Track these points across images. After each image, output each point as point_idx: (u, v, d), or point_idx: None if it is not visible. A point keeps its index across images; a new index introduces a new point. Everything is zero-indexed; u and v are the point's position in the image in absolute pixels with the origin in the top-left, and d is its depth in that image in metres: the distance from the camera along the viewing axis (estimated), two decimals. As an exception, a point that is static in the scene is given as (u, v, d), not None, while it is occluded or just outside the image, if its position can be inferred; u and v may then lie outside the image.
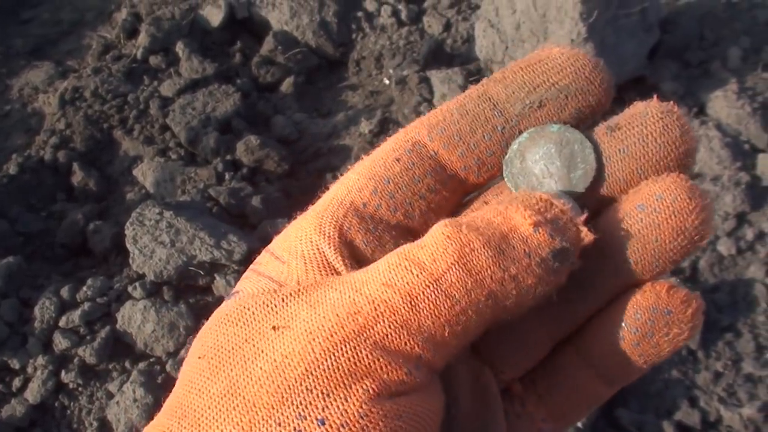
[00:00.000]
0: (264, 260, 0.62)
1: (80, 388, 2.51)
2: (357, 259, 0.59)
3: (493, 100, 0.62)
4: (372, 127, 3.30)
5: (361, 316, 0.52)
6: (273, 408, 0.49)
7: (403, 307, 0.52)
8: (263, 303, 0.56)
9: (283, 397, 0.49)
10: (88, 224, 2.94)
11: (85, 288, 2.67)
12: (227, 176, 3.10)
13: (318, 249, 0.58)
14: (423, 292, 0.52)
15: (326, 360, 0.50)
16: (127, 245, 2.67)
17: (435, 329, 0.52)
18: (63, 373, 2.51)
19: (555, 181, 0.63)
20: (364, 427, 0.49)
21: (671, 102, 0.63)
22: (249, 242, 2.66)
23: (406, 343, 0.51)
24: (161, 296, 2.63)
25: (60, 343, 2.54)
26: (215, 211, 2.91)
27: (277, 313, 0.55)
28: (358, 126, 3.35)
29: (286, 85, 3.58)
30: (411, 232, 0.61)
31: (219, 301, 2.65)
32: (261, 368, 0.51)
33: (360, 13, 3.81)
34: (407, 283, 0.52)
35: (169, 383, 2.46)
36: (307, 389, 0.49)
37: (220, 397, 0.51)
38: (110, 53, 3.75)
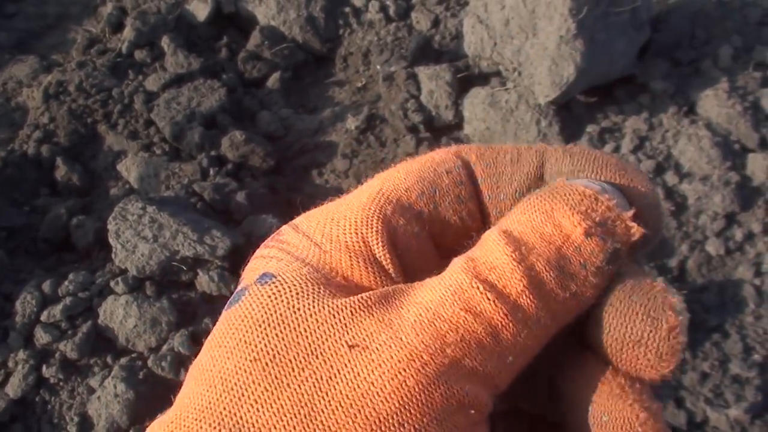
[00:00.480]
0: (294, 241, 0.60)
1: (61, 383, 2.49)
2: (400, 261, 0.57)
3: (546, 164, 0.60)
4: (359, 123, 3.29)
5: (449, 348, 0.50)
6: None
7: (487, 338, 0.50)
8: (323, 308, 0.53)
9: (372, 430, 0.48)
10: (72, 219, 2.92)
11: (66, 282, 2.64)
12: (212, 172, 3.08)
13: (365, 242, 0.57)
14: (502, 322, 0.51)
15: (420, 395, 0.48)
16: (110, 240, 2.65)
17: (511, 359, 0.51)
18: (44, 367, 2.49)
19: None
20: None
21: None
22: (233, 238, 2.64)
23: (488, 375, 0.51)
24: (143, 291, 2.61)
25: (41, 337, 2.52)
26: (199, 206, 2.89)
27: (347, 326, 0.52)
28: (345, 122, 3.34)
29: (273, 81, 3.56)
30: (439, 247, 0.60)
31: (202, 296, 2.64)
32: (342, 392, 0.49)
33: (347, 9, 3.80)
34: (488, 310, 0.51)
35: (151, 379, 2.44)
36: (399, 423, 0.48)
37: (292, 417, 0.48)
38: (95, 47, 3.72)
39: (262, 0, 3.75)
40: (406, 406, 0.48)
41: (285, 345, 0.51)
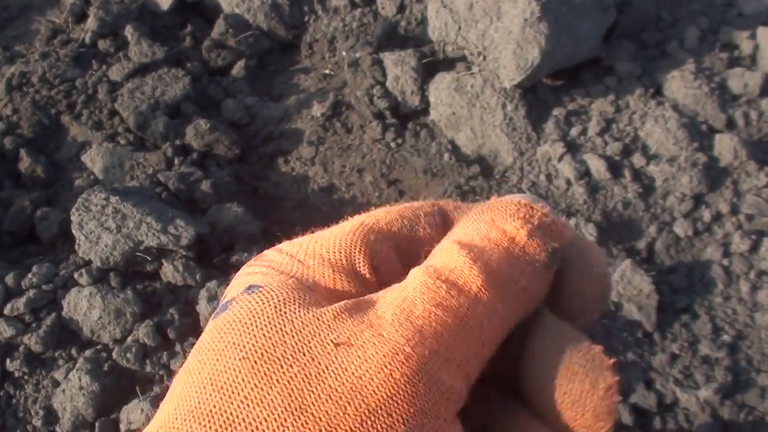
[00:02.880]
0: (278, 259, 0.63)
1: (26, 377, 2.48)
2: (378, 281, 0.61)
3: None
4: (324, 110, 3.28)
5: (427, 341, 0.53)
6: (353, 430, 0.49)
7: (457, 328, 0.54)
8: (307, 303, 0.56)
9: (362, 420, 0.49)
10: (36, 211, 2.90)
11: (30, 275, 2.63)
12: (177, 161, 3.06)
13: (347, 259, 0.60)
14: (468, 313, 0.55)
15: (406, 386, 0.50)
16: (73, 231, 2.63)
17: (478, 348, 0.55)
18: (8, 361, 2.48)
19: None
20: None
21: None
22: (197, 227, 2.62)
23: (461, 364, 0.54)
24: (108, 283, 2.59)
25: (5, 330, 2.50)
26: (164, 196, 2.87)
27: (331, 326, 0.54)
28: (311, 109, 3.32)
29: (238, 69, 3.55)
30: None
31: (167, 287, 2.62)
32: (331, 386, 0.51)
33: (312, -4, 3.78)
34: (454, 305, 0.54)
35: (116, 371, 2.43)
36: (387, 413, 0.50)
37: (283, 411, 0.50)
38: (58, 38, 3.70)
39: (226, -13, 3.73)
40: (394, 397, 0.50)
41: (272, 344, 0.53)
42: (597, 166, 2.89)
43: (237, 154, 3.14)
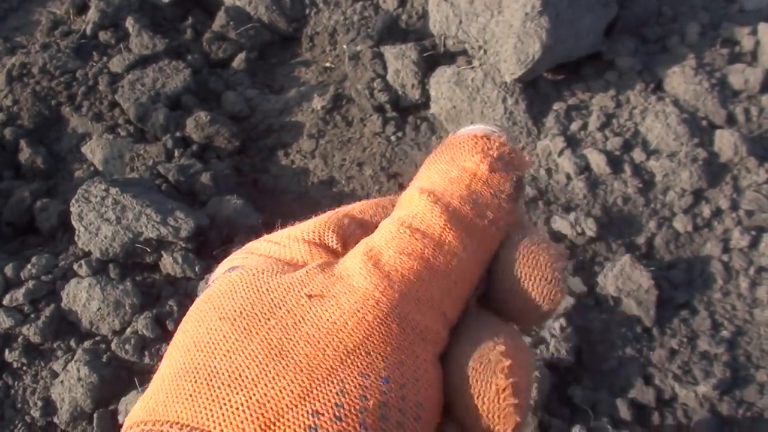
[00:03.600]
0: (258, 245, 0.67)
1: (24, 368, 2.47)
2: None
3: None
4: (324, 103, 3.27)
5: (395, 285, 0.56)
6: (333, 369, 0.51)
7: (426, 271, 0.57)
8: (282, 272, 0.59)
9: (342, 359, 0.52)
10: (36, 202, 2.90)
11: (29, 266, 2.62)
12: (177, 153, 3.06)
13: (320, 235, 0.64)
14: (435, 255, 0.57)
15: (380, 326, 0.53)
16: (73, 222, 2.63)
17: (450, 286, 0.57)
18: (7, 352, 2.47)
19: None
20: (423, 386, 0.53)
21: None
22: (197, 219, 2.62)
23: (434, 304, 0.56)
24: (107, 274, 2.59)
25: (4, 321, 2.50)
26: (164, 188, 2.87)
27: (304, 282, 0.57)
28: (311, 102, 3.32)
29: (238, 61, 3.54)
30: None
31: (166, 278, 2.62)
32: (308, 332, 0.53)
33: (314, -11, 3.77)
34: (419, 249, 0.57)
35: (115, 362, 2.43)
36: (366, 353, 0.52)
37: (264, 356, 0.52)
38: (59, 29, 3.69)
39: (228, -20, 3.73)
40: (369, 338, 0.53)
41: (250, 303, 0.56)
42: (597, 161, 2.89)
43: (237, 147, 3.13)
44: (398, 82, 3.22)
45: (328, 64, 3.53)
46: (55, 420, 2.38)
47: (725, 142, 2.89)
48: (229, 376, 0.51)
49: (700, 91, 3.02)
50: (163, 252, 2.60)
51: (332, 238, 0.63)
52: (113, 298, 2.51)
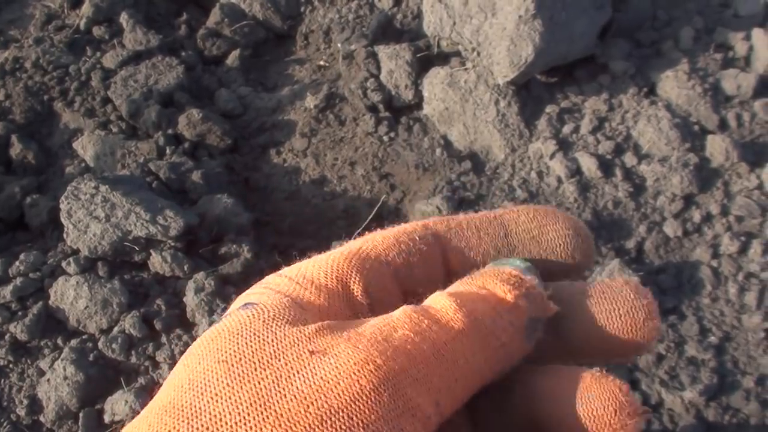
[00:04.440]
0: (277, 281, 0.65)
1: (11, 365, 2.48)
2: (371, 308, 0.64)
3: (505, 224, 0.71)
4: (318, 102, 3.27)
5: (399, 358, 0.54)
6: (311, 428, 0.50)
7: (432, 357, 0.55)
8: (292, 322, 0.58)
9: (322, 420, 0.50)
10: (26, 198, 2.89)
11: (18, 263, 2.62)
12: (168, 150, 3.05)
13: (343, 286, 0.63)
14: (445, 347, 0.56)
15: (370, 393, 0.52)
16: (62, 220, 2.63)
17: (451, 381, 0.56)
18: (-7, 349, 2.47)
19: None
20: None
21: (647, 289, 0.66)
22: (186, 218, 2.62)
23: (431, 389, 0.54)
24: (95, 272, 2.59)
25: (-9, 319, 2.50)
26: (155, 185, 2.87)
27: (311, 338, 0.56)
28: (304, 101, 3.32)
29: (232, 59, 3.54)
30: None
31: (155, 277, 2.62)
32: (298, 388, 0.52)
33: (309, -14, 3.77)
34: (433, 336, 0.56)
35: (101, 361, 2.43)
36: (348, 417, 0.50)
37: (248, 406, 0.51)
38: (53, 23, 3.68)
39: (223, -24, 3.72)
40: (356, 402, 0.51)
41: (252, 351, 0.55)
42: (588, 165, 2.89)
43: (229, 145, 3.13)
44: (392, 82, 3.22)
45: (322, 63, 3.53)
46: (41, 419, 2.38)
47: (717, 147, 2.90)
48: (210, 419, 0.51)
49: (692, 96, 3.02)
50: (152, 251, 2.60)
51: (355, 287, 0.63)
52: (101, 297, 2.51)
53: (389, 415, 0.51)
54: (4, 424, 2.37)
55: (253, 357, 0.54)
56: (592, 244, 0.71)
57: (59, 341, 2.51)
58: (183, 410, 0.52)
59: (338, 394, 0.51)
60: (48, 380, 2.39)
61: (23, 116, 3.23)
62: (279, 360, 0.54)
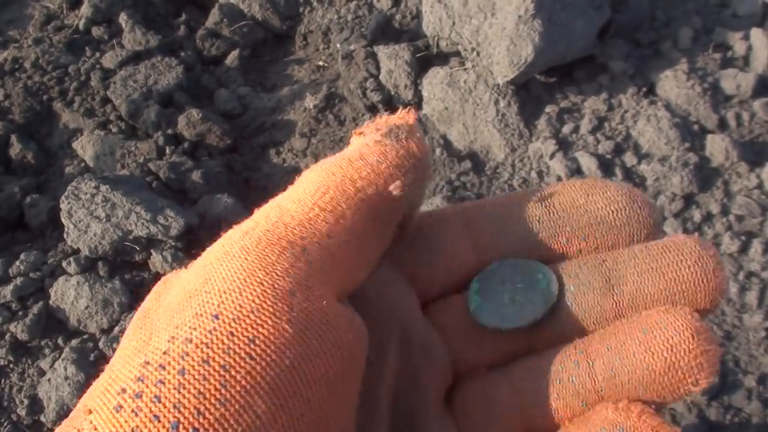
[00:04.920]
0: None
1: (11, 365, 2.47)
2: None
3: (545, 198, 0.65)
4: (317, 102, 3.27)
5: (255, 229, 0.54)
6: (172, 316, 0.49)
7: (292, 204, 0.56)
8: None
9: (181, 305, 0.50)
10: (26, 198, 2.89)
11: (18, 263, 2.62)
12: (168, 150, 3.05)
13: None
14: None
15: (221, 264, 0.51)
16: (62, 219, 2.63)
17: (316, 223, 0.54)
18: (-6, 349, 2.47)
19: (526, 300, 0.63)
20: (255, 322, 0.47)
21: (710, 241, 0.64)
22: (187, 218, 2.62)
23: (291, 241, 0.53)
24: (96, 272, 2.59)
25: (-9, 318, 2.50)
26: (155, 185, 2.87)
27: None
28: (303, 101, 3.32)
29: (231, 59, 3.54)
30: None
31: (156, 277, 2.62)
32: (171, 294, 0.53)
33: (308, -13, 3.77)
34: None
35: (102, 361, 2.43)
36: (206, 292, 0.49)
37: (135, 329, 0.52)
38: (52, 23, 3.68)
39: (222, -23, 3.72)
40: (212, 277, 0.51)
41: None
42: (588, 164, 2.89)
43: (229, 145, 3.13)
44: (391, 82, 3.22)
45: (321, 63, 3.53)
46: (42, 418, 2.38)
47: (716, 146, 2.90)
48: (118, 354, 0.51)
49: (692, 96, 3.02)
50: (152, 250, 2.60)
51: None
52: (101, 297, 2.51)
53: (246, 280, 0.50)
54: (5, 424, 2.37)
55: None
56: (652, 211, 0.66)
57: (60, 341, 2.51)
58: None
59: (195, 280, 0.51)
60: (49, 380, 2.39)
61: (23, 116, 3.23)
62: (168, 284, 0.56)
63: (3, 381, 2.45)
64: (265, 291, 0.49)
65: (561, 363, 0.59)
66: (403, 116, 0.61)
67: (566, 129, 3.03)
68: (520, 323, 0.62)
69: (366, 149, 0.58)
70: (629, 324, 0.57)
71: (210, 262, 0.52)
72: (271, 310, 0.48)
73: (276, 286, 0.49)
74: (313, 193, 0.56)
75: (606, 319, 0.60)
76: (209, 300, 0.48)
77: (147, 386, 0.44)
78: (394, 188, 0.57)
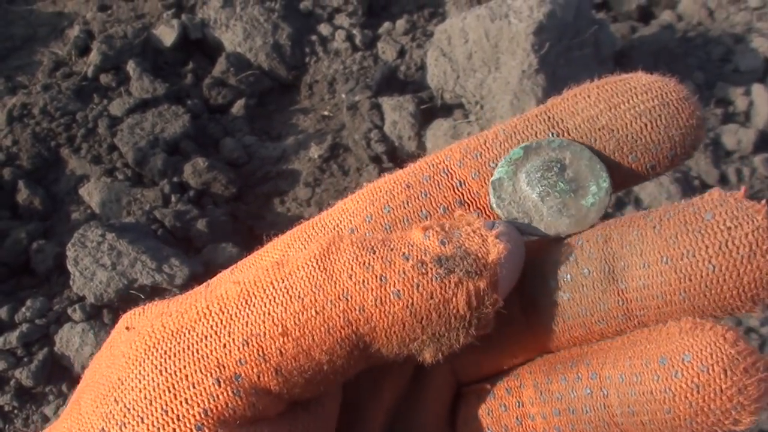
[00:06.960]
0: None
1: (16, 411, 2.48)
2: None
3: (554, 119, 0.56)
4: (322, 152, 3.29)
5: (191, 312, 0.51)
6: (95, 406, 0.49)
7: (240, 301, 0.50)
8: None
9: (99, 399, 0.49)
10: (32, 243, 2.90)
11: (24, 309, 2.63)
12: (174, 198, 3.07)
13: None
14: (266, 286, 0.50)
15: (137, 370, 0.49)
16: (68, 266, 2.64)
17: (269, 331, 0.48)
18: (-2, 395, 2.48)
19: (558, 209, 0.55)
20: None
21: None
22: (191, 266, 2.64)
23: (229, 344, 0.49)
24: (101, 319, 2.60)
25: (-4, 364, 2.51)
26: (160, 233, 2.88)
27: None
28: (308, 150, 3.34)
29: (237, 108, 3.56)
30: None
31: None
32: (103, 364, 0.51)
33: (314, 37, 3.80)
34: (252, 277, 0.51)
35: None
36: (114, 401, 0.48)
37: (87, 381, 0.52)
38: (61, 70, 3.71)
39: (229, 26, 3.75)
40: (127, 378, 0.50)
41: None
42: (590, 219, 2.90)
43: (234, 193, 3.15)
44: (395, 133, 3.24)
45: (326, 113, 3.55)
46: (45, 465, 2.38)
47: (717, 202, 2.91)
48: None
49: (693, 151, 3.04)
50: (157, 299, 2.61)
51: None
52: (106, 344, 2.52)
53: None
54: (8, 470, 2.38)
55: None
56: (694, 110, 0.54)
57: (64, 388, 2.51)
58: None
59: (121, 367, 0.50)
60: (52, 427, 2.39)
61: (30, 162, 3.25)
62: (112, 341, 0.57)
63: (7, 427, 2.45)
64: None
65: (572, 389, 0.52)
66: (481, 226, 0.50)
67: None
68: (545, 231, 0.55)
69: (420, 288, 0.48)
70: (644, 345, 0.49)
71: (131, 357, 0.50)
72: None
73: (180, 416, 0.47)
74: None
75: (612, 317, 0.51)
76: (116, 410, 0.48)
77: None
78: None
